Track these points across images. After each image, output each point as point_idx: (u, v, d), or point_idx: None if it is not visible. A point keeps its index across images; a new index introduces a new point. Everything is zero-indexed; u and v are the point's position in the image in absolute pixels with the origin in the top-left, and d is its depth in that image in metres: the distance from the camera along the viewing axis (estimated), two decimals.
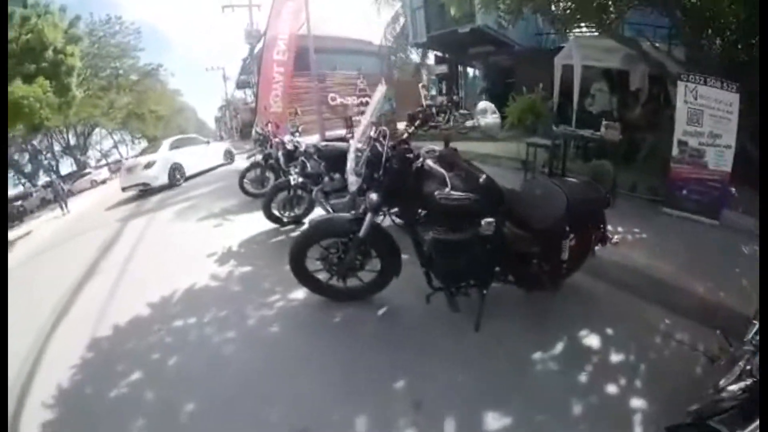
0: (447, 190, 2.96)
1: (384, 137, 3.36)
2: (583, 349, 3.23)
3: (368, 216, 3.46)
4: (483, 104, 3.43)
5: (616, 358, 3.11)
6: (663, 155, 6.19)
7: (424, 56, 20.68)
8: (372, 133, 3.46)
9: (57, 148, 34.05)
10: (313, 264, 3.90)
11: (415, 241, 3.48)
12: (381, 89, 3.85)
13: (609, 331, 3.39)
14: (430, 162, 3.17)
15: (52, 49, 17.56)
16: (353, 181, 3.45)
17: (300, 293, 4.27)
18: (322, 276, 3.97)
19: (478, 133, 11.00)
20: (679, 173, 5.61)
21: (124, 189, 14.37)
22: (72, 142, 34.10)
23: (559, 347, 3.23)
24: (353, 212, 3.96)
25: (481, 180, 3.17)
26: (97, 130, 37.30)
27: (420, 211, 3.43)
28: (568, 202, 3.24)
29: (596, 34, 9.33)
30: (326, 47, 19.11)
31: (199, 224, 8.07)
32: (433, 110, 15.41)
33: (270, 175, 9.02)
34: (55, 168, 33.64)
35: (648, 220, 5.38)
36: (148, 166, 13.85)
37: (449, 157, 3.30)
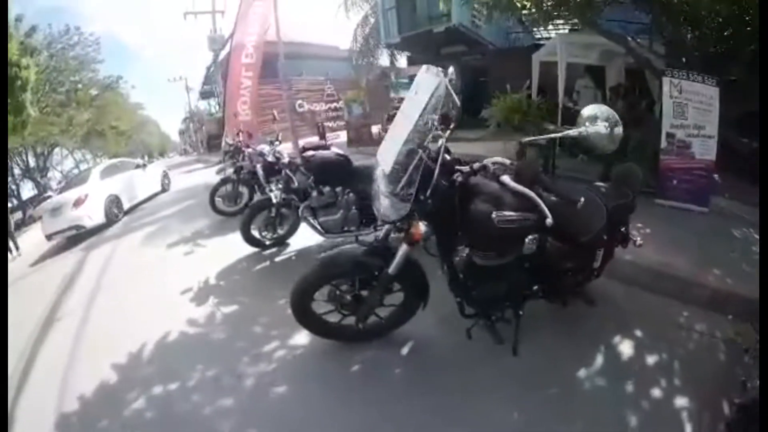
0: (545, 216, 2.47)
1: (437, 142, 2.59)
2: (619, 355, 3.13)
3: (402, 248, 2.81)
4: (592, 108, 2.69)
5: (650, 359, 3.05)
6: (649, 148, 6.43)
7: (393, 58, 19.96)
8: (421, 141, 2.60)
9: (17, 171, 32.30)
10: (320, 305, 3.22)
11: (449, 267, 2.90)
12: (441, 79, 2.49)
13: (638, 333, 3.33)
14: (506, 178, 2.57)
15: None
16: (393, 207, 2.67)
17: (302, 336, 3.56)
18: (332, 317, 3.29)
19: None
20: (668, 164, 5.97)
21: (49, 237, 10.57)
22: (32, 163, 32.31)
23: (599, 359, 3.08)
24: (373, 239, 3.25)
25: (580, 203, 2.53)
26: (57, 149, 35.46)
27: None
28: (607, 211, 3.04)
29: (578, 30, 9.56)
30: (292, 53, 18.36)
31: (170, 252, 7.21)
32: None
33: (244, 190, 8.29)
34: (15, 192, 31.92)
35: (643, 212, 4.94)
36: (79, 203, 10.46)
37: (530, 171, 2.63)
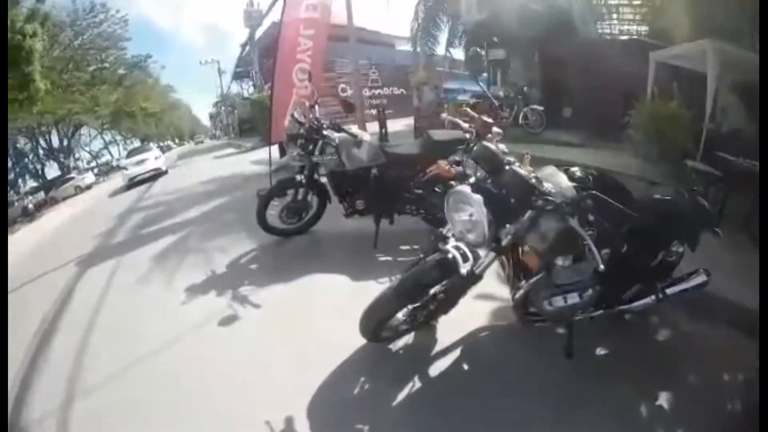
0: None
1: None
2: None
3: None
4: None
5: None
6: None
7: (449, 42, 15.96)
8: None
9: (41, 151, 29.26)
10: None
11: None
12: None
13: None
14: None
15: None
16: None
17: None
18: None
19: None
20: None
21: (131, 180, 15.56)
22: (56, 144, 29.16)
23: None
24: None
25: None
26: (85, 129, 32.29)
27: None
28: None
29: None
30: (333, 35, 15.24)
31: (190, 310, 3.72)
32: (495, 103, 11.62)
33: (312, 199, 4.77)
34: (40, 173, 28.91)
35: None
36: (158, 157, 17.25)
37: None
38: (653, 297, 2.58)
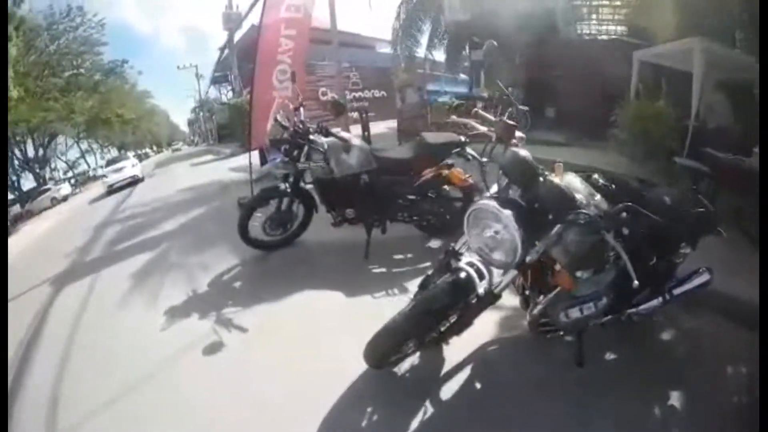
0: None
1: None
2: None
3: None
4: None
5: None
6: None
7: (430, 43, 15.82)
8: None
9: (17, 162, 28.17)
10: None
11: None
12: None
13: None
14: None
15: None
16: None
17: None
18: None
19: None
20: None
21: (111, 186, 17.38)
22: (31, 153, 28.09)
23: None
24: None
25: None
26: (61, 138, 31.26)
27: None
28: None
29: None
30: (317, 38, 14.97)
31: (169, 337, 3.37)
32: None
33: (298, 208, 4.50)
34: (16, 184, 27.85)
35: None
36: (135, 165, 19.17)
37: None
38: (660, 299, 2.59)
